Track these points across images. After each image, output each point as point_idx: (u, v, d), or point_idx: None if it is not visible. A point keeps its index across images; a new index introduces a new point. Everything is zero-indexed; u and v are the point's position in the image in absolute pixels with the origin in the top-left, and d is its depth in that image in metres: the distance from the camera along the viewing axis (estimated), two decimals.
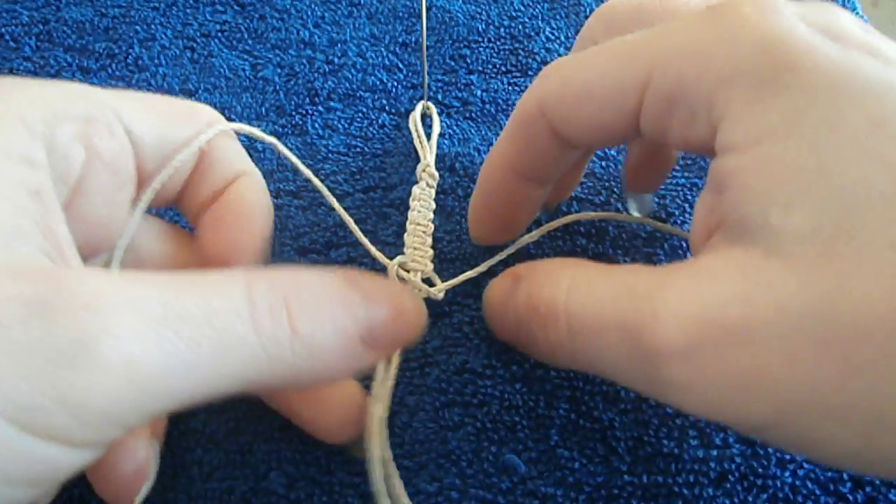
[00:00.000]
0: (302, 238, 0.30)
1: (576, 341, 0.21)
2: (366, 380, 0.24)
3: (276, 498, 0.24)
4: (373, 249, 0.28)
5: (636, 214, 0.31)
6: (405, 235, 0.29)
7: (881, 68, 0.18)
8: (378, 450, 0.22)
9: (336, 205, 0.28)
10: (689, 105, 0.20)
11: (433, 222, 0.29)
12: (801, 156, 0.17)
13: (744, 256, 0.18)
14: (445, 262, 0.30)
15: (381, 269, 0.28)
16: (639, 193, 0.31)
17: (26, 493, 0.15)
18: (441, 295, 0.27)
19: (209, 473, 0.25)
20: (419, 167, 0.31)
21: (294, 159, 0.27)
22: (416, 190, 0.30)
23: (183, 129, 0.23)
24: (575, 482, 0.25)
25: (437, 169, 0.33)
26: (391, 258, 0.28)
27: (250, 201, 0.24)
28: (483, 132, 0.35)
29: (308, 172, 0.27)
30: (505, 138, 0.25)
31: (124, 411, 0.15)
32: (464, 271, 0.28)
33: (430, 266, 0.28)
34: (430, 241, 0.29)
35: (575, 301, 0.21)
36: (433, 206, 0.30)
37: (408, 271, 0.28)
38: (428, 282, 0.28)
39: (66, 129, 0.20)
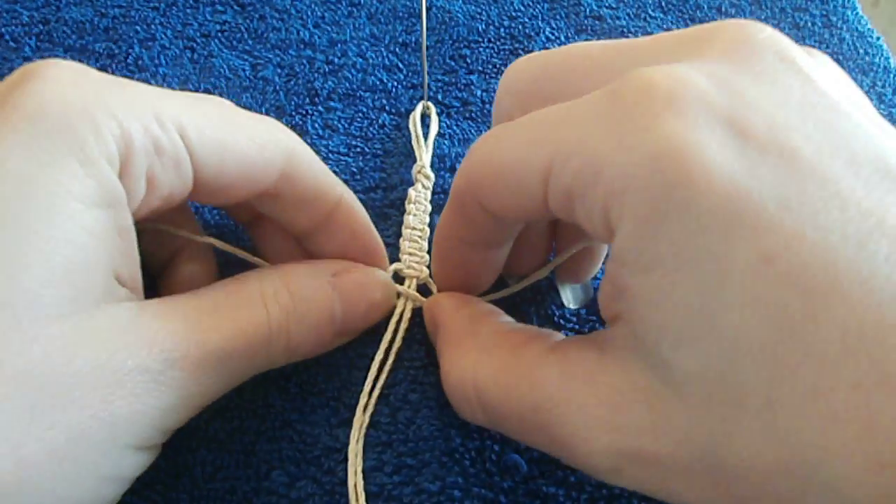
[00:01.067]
0: None
1: (495, 426, 0.23)
2: None
3: (277, 497, 0.24)
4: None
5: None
6: (401, 240, 0.29)
7: (782, 178, 0.16)
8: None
9: None
10: (585, 206, 0.19)
11: (428, 226, 0.29)
12: (688, 295, 0.17)
13: (644, 382, 0.18)
14: None
15: None
16: (571, 284, 0.29)
17: (119, 489, 0.20)
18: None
19: (212, 474, 0.24)
20: (414, 168, 0.31)
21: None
22: (411, 192, 0.30)
23: (251, 158, 0.23)
24: (576, 482, 0.25)
25: (437, 169, 0.33)
26: (392, 258, 0.28)
27: (360, 230, 0.27)
28: (483, 132, 0.35)
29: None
30: (447, 210, 0.25)
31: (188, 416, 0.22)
32: None
33: (426, 272, 0.28)
34: (426, 245, 0.29)
35: (487, 397, 0.22)
36: (429, 208, 0.30)
37: (402, 280, 0.28)
38: (424, 287, 0.28)
39: (138, 164, 0.20)
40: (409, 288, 0.28)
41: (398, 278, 0.28)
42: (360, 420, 0.25)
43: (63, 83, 0.19)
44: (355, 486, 0.24)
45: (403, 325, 0.27)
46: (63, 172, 0.18)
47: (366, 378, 0.26)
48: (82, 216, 0.19)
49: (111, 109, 0.20)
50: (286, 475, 0.25)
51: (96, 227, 0.19)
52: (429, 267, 0.28)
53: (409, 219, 0.29)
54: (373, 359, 0.26)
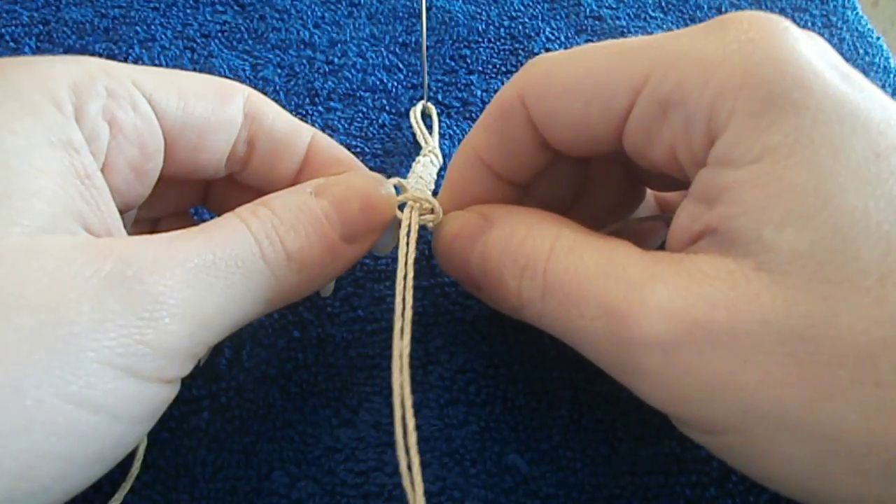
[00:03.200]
0: None
1: (548, 302, 0.21)
2: None
3: (277, 498, 0.24)
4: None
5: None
6: (406, 180, 0.27)
7: (880, 105, 0.18)
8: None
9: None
10: (687, 112, 0.19)
11: (433, 183, 0.29)
12: (801, 177, 0.17)
13: (734, 266, 0.18)
14: None
15: (386, 270, 0.28)
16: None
17: (136, 430, 0.19)
18: (439, 215, 0.26)
19: (212, 474, 0.25)
20: (424, 148, 0.31)
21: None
22: (419, 158, 0.29)
23: (211, 101, 0.23)
24: (577, 482, 0.25)
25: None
26: (392, 258, 0.28)
27: (340, 157, 0.26)
28: None
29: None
30: (479, 128, 0.24)
31: (195, 345, 0.20)
32: None
33: (434, 201, 0.26)
34: (430, 191, 0.28)
35: (558, 263, 0.21)
36: (435, 174, 0.30)
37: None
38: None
39: (92, 107, 0.20)
40: (412, 218, 0.25)
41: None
42: (399, 348, 0.22)
43: (18, 59, 0.20)
44: (403, 421, 0.21)
45: (413, 236, 0.25)
46: (10, 113, 0.19)
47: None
48: (29, 153, 0.18)
49: (60, 63, 0.20)
50: (287, 475, 0.25)
51: (46, 165, 0.19)
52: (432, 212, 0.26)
53: (416, 167, 0.28)
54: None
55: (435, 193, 0.28)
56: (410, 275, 0.24)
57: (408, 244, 0.24)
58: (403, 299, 0.23)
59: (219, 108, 0.23)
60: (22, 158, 0.18)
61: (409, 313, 0.23)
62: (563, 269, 0.20)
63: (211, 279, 0.20)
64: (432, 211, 0.25)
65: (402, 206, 0.25)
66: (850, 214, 0.16)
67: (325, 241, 0.23)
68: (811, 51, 0.18)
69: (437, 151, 0.31)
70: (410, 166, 0.32)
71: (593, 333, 0.20)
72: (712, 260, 0.18)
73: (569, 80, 0.21)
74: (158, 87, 0.22)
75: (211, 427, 0.25)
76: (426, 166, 0.29)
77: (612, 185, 0.27)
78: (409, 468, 0.21)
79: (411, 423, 0.21)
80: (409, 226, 0.25)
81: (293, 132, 0.25)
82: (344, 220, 0.23)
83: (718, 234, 0.18)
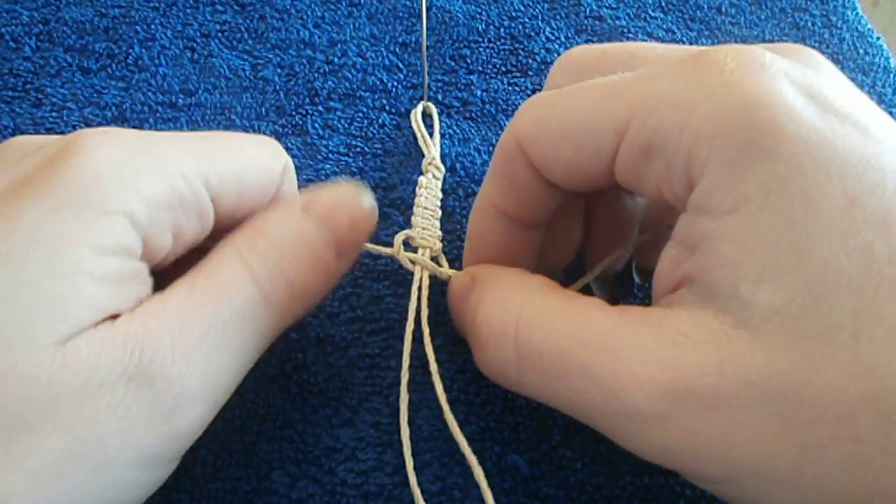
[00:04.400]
0: None
1: (526, 374, 0.21)
2: None
3: (278, 498, 0.24)
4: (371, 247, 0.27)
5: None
6: (412, 217, 0.28)
7: (860, 141, 0.17)
8: None
9: None
10: (667, 157, 0.19)
11: (439, 208, 0.29)
12: (775, 230, 0.17)
13: (715, 323, 0.18)
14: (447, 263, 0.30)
15: (385, 269, 0.28)
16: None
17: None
18: (448, 274, 0.27)
19: (212, 474, 0.24)
20: (425, 161, 0.31)
21: None
22: (422, 180, 0.30)
23: (260, 195, 0.24)
24: (577, 483, 0.25)
25: None
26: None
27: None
28: (483, 132, 0.35)
29: None
30: (489, 179, 0.24)
31: (208, 416, 0.21)
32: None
33: (439, 245, 0.27)
34: (437, 223, 0.28)
35: (528, 332, 0.21)
36: (440, 194, 0.30)
37: (415, 250, 0.27)
38: (435, 261, 0.27)
39: (162, 221, 0.21)
40: (422, 274, 0.27)
41: (410, 250, 0.27)
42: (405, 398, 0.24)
43: (97, 151, 0.20)
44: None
45: (425, 293, 0.26)
46: (75, 221, 0.19)
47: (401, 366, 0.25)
48: (83, 261, 0.19)
49: (138, 169, 0.20)
50: (287, 475, 0.25)
51: (98, 270, 0.19)
52: (441, 241, 0.28)
53: (420, 200, 0.29)
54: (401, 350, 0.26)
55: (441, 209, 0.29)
56: (427, 331, 0.25)
57: (419, 306, 0.26)
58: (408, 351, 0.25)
59: (263, 202, 0.24)
60: (79, 268, 0.19)
61: (434, 370, 0.24)
62: (538, 340, 0.20)
63: (223, 346, 0.21)
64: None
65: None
66: (822, 269, 0.16)
67: (322, 265, 0.23)
68: (788, 89, 0.18)
69: (438, 162, 0.31)
70: (411, 167, 0.32)
71: (582, 405, 0.20)
72: (691, 318, 0.18)
73: (558, 125, 0.21)
74: (224, 185, 0.22)
75: (211, 427, 0.25)
76: (429, 190, 0.29)
77: (624, 208, 0.27)
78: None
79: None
80: (420, 280, 0.26)
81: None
82: (335, 236, 0.23)
83: (697, 284, 0.19)
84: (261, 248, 0.22)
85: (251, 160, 0.24)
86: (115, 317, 0.20)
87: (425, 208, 0.28)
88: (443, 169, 0.31)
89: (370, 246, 0.27)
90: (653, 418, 0.18)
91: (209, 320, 0.20)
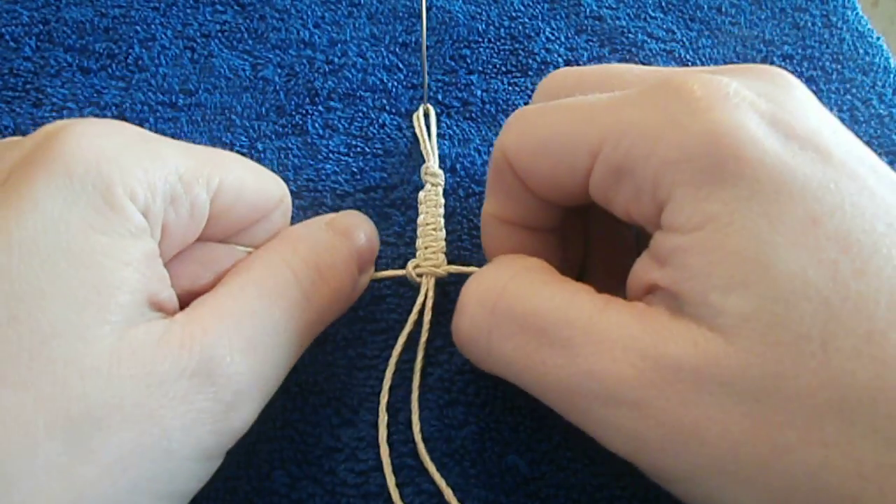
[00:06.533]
0: None
1: (499, 342, 0.22)
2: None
3: (278, 498, 0.24)
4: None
5: None
6: (417, 241, 0.29)
7: (820, 168, 0.18)
8: None
9: None
10: (635, 181, 0.20)
11: (442, 218, 0.29)
12: (741, 243, 0.18)
13: (690, 327, 0.18)
14: (448, 263, 0.30)
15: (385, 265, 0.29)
16: None
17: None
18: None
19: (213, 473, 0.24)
20: (422, 169, 0.31)
21: None
22: (421, 194, 0.30)
23: (257, 213, 0.24)
24: (577, 483, 0.25)
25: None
26: (393, 257, 0.28)
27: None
28: (483, 132, 0.35)
29: None
30: (488, 194, 0.25)
31: (258, 411, 0.22)
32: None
33: (442, 258, 0.28)
34: (442, 236, 0.29)
35: (510, 302, 0.21)
36: (442, 202, 0.30)
37: (420, 276, 0.28)
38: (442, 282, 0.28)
39: (155, 210, 0.21)
40: (429, 285, 0.28)
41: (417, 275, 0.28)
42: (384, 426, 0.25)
43: (94, 135, 0.20)
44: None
45: (430, 304, 0.27)
46: (87, 206, 0.19)
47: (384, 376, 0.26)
48: (112, 248, 0.19)
49: (138, 158, 0.21)
50: (287, 475, 0.25)
51: (127, 256, 0.19)
52: (445, 254, 0.29)
53: (421, 217, 0.29)
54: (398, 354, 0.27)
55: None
56: (424, 333, 0.26)
57: (421, 315, 0.27)
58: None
59: (256, 218, 0.24)
60: (106, 254, 0.19)
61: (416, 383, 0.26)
62: (521, 311, 0.21)
63: (274, 345, 0.22)
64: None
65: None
66: (790, 281, 0.17)
67: (350, 274, 0.25)
68: (751, 118, 0.19)
69: (434, 168, 0.31)
70: (411, 167, 0.32)
71: (556, 381, 0.20)
72: (669, 317, 0.19)
73: (538, 140, 0.22)
74: (223, 190, 0.22)
75: None
76: (429, 203, 0.30)
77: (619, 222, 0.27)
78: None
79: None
80: (425, 301, 0.28)
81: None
82: (357, 250, 0.25)
83: (667, 293, 0.19)
84: (303, 254, 0.23)
85: (253, 175, 0.24)
86: (159, 306, 0.20)
87: (427, 225, 0.29)
88: (440, 174, 0.31)
89: (380, 274, 0.28)
90: (627, 403, 0.19)
91: (262, 321, 0.21)
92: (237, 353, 0.20)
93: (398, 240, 0.30)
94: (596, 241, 0.28)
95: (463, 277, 0.26)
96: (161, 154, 0.21)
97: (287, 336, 0.22)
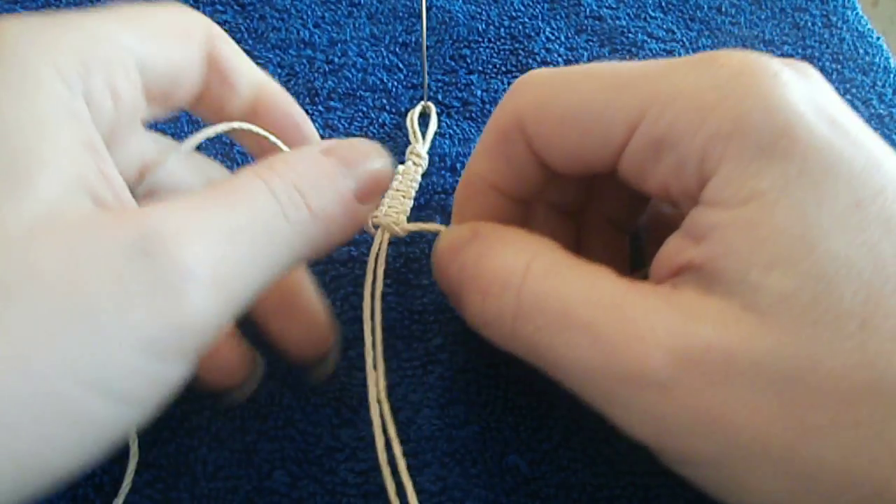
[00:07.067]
0: None
1: (523, 325, 0.21)
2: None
3: (279, 497, 0.24)
4: None
5: None
6: (383, 199, 0.28)
7: (863, 152, 0.18)
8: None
9: None
10: (679, 154, 0.20)
11: (414, 192, 0.29)
12: (787, 222, 0.18)
13: (724, 304, 0.18)
14: None
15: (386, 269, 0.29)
16: None
17: (146, 413, 0.18)
18: (437, 228, 0.26)
19: (213, 473, 0.24)
20: (408, 150, 0.31)
21: None
22: (400, 167, 0.30)
23: (184, 46, 0.23)
24: (578, 483, 0.25)
25: (438, 168, 0.33)
26: (393, 256, 0.28)
27: (289, 109, 0.27)
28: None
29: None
30: (481, 154, 0.24)
31: (220, 315, 0.19)
32: None
33: (403, 219, 0.27)
34: (409, 204, 0.28)
35: (536, 285, 0.21)
36: (418, 179, 0.30)
37: (376, 227, 0.27)
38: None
39: (96, 81, 0.20)
40: (383, 237, 0.27)
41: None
42: (374, 379, 0.24)
43: (18, 23, 0.20)
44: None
45: (383, 256, 0.26)
46: (11, 87, 0.18)
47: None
48: (37, 126, 0.18)
49: (64, 33, 0.20)
50: (288, 475, 0.25)
51: (55, 138, 0.18)
52: (407, 217, 0.28)
53: (394, 184, 0.28)
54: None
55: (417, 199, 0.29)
56: (378, 307, 0.25)
57: (375, 269, 0.26)
58: (373, 331, 0.25)
59: (187, 54, 0.23)
60: (32, 131, 0.18)
61: (379, 348, 0.25)
62: (544, 293, 0.20)
63: (236, 247, 0.19)
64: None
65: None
66: (833, 260, 0.17)
67: (343, 199, 0.22)
68: (801, 97, 0.19)
69: (422, 152, 0.31)
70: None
71: (578, 363, 0.20)
72: (701, 297, 0.19)
73: (566, 110, 0.21)
74: (146, 45, 0.22)
75: (212, 426, 0.25)
76: (406, 175, 0.30)
77: (619, 187, 0.27)
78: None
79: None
80: (378, 251, 0.26)
81: (246, 70, 0.26)
82: (356, 178, 0.23)
83: (702, 271, 0.19)
84: (279, 170, 0.21)
85: (156, 15, 0.23)
86: (99, 201, 0.19)
87: (397, 191, 0.28)
88: (425, 157, 0.31)
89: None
90: (653, 385, 0.18)
91: (222, 218, 0.19)
92: (185, 238, 0.18)
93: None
94: (586, 251, 0.27)
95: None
96: (79, 24, 0.20)
97: (254, 245, 0.20)
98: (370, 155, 0.24)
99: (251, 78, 0.26)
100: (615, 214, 0.27)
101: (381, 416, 0.23)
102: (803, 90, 0.19)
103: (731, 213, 0.18)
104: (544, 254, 0.21)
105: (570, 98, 0.21)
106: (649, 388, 0.18)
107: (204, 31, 0.24)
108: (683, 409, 0.18)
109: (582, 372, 0.20)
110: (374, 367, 0.24)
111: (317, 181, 0.22)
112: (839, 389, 0.17)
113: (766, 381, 0.17)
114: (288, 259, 0.21)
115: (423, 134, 0.33)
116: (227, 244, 0.19)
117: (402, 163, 0.31)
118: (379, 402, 0.23)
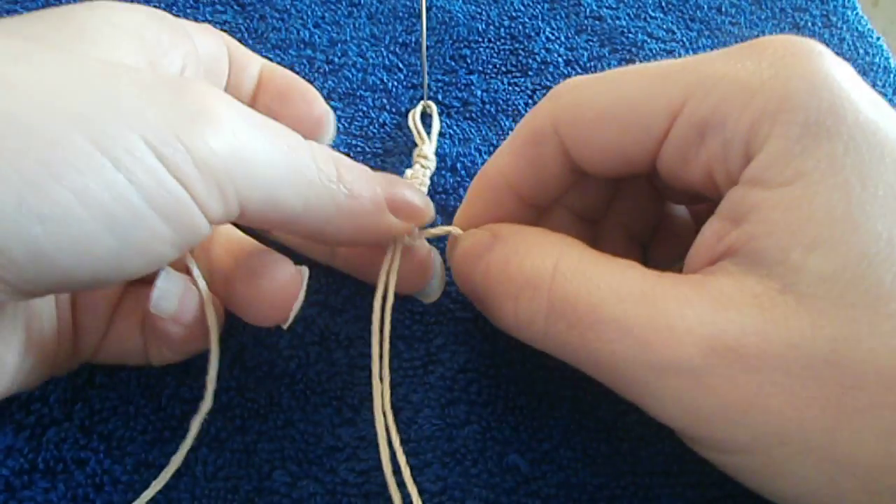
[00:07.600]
0: None
1: (555, 324, 0.21)
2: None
3: (279, 497, 0.24)
4: None
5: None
6: None
7: None
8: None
9: None
10: (725, 135, 0.20)
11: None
12: (831, 202, 0.18)
13: (759, 288, 0.18)
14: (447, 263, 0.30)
15: None
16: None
17: (167, 242, 0.18)
18: (451, 231, 0.26)
19: (213, 473, 0.24)
20: (414, 153, 0.31)
21: None
22: (408, 171, 0.30)
23: (217, 41, 0.27)
24: (578, 482, 0.25)
25: (438, 168, 0.33)
26: None
27: (293, 80, 0.29)
28: (483, 132, 0.35)
29: None
30: (506, 153, 0.24)
31: (232, 178, 0.18)
32: None
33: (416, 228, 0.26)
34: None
35: (565, 284, 0.21)
36: (427, 183, 0.30)
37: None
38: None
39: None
40: (396, 248, 0.26)
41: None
42: (379, 391, 0.24)
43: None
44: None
45: (395, 269, 0.26)
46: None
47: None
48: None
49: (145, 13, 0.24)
50: (288, 475, 0.25)
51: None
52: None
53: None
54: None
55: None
56: (388, 319, 0.25)
57: (387, 282, 0.25)
58: (381, 341, 0.24)
59: (221, 47, 0.27)
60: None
61: (386, 359, 0.24)
62: (574, 292, 0.20)
63: (261, 132, 0.20)
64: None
65: None
66: (876, 241, 0.17)
67: (374, 193, 0.23)
68: (844, 78, 0.19)
69: (429, 154, 0.31)
70: (410, 165, 0.32)
71: (611, 356, 0.20)
72: (735, 282, 0.18)
73: (603, 107, 0.22)
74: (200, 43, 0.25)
75: (212, 426, 0.25)
76: (415, 179, 0.30)
77: (638, 197, 0.27)
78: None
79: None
80: (391, 264, 0.26)
81: (251, 56, 0.29)
82: (391, 190, 0.23)
83: (741, 254, 0.19)
84: (324, 148, 0.22)
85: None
86: None
87: None
88: (432, 159, 0.31)
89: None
90: (686, 373, 0.18)
91: (256, 115, 0.20)
92: (219, 101, 0.19)
93: None
94: None
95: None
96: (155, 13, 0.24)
97: (282, 166, 0.20)
98: (412, 187, 0.25)
99: (257, 60, 0.28)
100: (632, 223, 0.27)
101: (386, 427, 0.23)
102: (847, 71, 0.19)
103: (775, 193, 0.18)
104: (570, 252, 0.21)
105: (608, 94, 0.22)
106: (682, 377, 0.18)
107: (217, 30, 0.27)
108: (717, 397, 0.18)
109: (615, 365, 0.20)
110: (381, 378, 0.24)
111: (354, 167, 0.22)
112: (878, 371, 0.16)
113: (804, 364, 0.17)
114: (310, 198, 0.21)
115: (427, 134, 0.33)
116: (257, 129, 0.19)
117: (409, 166, 0.31)
118: (384, 413, 0.23)
